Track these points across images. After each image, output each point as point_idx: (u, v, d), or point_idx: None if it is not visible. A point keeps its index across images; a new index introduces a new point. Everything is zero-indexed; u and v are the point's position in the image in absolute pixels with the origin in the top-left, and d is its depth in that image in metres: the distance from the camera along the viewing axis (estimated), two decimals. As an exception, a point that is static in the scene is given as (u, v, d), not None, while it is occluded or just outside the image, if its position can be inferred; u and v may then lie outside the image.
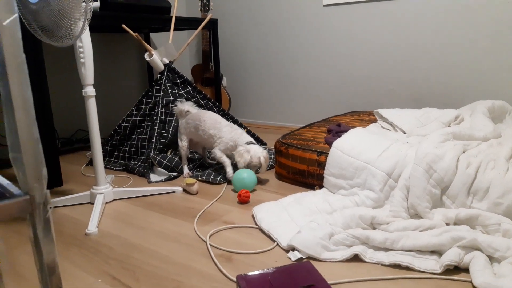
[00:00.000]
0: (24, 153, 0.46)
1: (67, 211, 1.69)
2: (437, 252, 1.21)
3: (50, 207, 0.46)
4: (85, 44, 1.59)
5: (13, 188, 0.51)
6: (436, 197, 1.40)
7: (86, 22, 1.47)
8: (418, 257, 1.20)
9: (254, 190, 1.89)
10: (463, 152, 1.50)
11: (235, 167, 1.98)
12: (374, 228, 1.36)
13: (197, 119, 2.08)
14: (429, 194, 1.39)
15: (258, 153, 1.91)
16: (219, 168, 2.14)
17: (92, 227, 1.49)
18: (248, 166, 1.91)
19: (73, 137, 2.91)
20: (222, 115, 2.48)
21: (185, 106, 2.17)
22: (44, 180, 0.48)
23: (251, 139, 1.98)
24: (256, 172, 1.98)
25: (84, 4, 1.45)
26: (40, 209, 0.48)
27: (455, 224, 1.33)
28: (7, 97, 0.44)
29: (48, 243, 0.49)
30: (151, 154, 2.13)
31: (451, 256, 1.15)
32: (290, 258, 1.25)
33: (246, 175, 1.83)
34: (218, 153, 2.02)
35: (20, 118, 0.45)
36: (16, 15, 0.43)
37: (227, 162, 2.02)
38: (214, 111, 2.46)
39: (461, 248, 1.18)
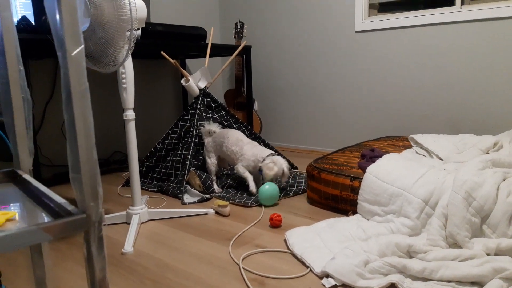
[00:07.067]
0: (83, 174, 0.49)
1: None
2: (477, 283, 1.17)
3: (104, 225, 0.49)
4: (127, 70, 1.67)
5: (69, 207, 0.54)
6: (475, 226, 1.36)
7: (130, 50, 1.55)
8: (458, 288, 1.16)
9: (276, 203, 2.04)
10: (504, 180, 1.46)
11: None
12: (410, 257, 1.32)
13: (222, 136, 2.24)
14: (468, 223, 1.35)
15: (282, 164, 2.05)
16: (247, 188, 2.16)
17: (128, 247, 1.52)
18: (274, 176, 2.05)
19: (110, 159, 3.00)
20: (254, 139, 2.51)
21: (212, 127, 2.33)
22: (100, 200, 0.51)
23: (272, 151, 2.10)
24: (278, 182, 2.15)
25: (128, 32, 1.53)
26: (95, 227, 0.51)
27: (496, 254, 1.28)
28: (71, 121, 0.48)
29: (101, 260, 0.52)
30: (185, 176, 2.18)
31: (494, 288, 1.10)
32: (324, 285, 1.23)
33: (269, 187, 1.98)
34: (241, 169, 2.15)
35: (81, 141, 0.48)
36: (82, 46, 0.47)
37: (249, 178, 2.14)
38: (246, 134, 2.50)
39: (504, 279, 1.14)
